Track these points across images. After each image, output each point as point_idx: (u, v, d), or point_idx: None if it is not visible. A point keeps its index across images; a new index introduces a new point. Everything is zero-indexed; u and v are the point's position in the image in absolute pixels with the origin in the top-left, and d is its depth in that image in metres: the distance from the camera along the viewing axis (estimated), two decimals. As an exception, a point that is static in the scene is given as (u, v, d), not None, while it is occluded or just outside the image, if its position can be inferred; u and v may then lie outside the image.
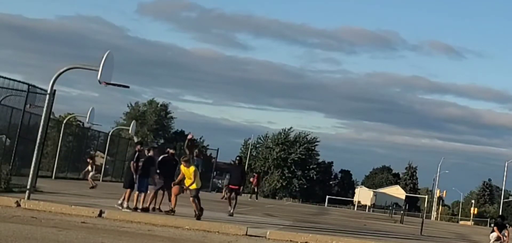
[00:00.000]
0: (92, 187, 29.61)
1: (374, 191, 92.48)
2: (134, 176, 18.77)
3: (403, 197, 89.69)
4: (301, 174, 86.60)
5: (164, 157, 19.97)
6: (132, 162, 19.01)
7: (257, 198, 44.08)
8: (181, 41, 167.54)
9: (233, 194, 21.66)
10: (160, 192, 19.40)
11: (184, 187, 18.73)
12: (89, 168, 30.82)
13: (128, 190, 18.90)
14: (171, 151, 20.65)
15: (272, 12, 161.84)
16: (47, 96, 18.74)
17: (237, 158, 23.82)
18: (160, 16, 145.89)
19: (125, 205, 18.44)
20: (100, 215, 16.47)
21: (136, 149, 19.62)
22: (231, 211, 21.17)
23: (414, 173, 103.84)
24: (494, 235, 22.42)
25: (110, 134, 47.88)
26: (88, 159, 33.97)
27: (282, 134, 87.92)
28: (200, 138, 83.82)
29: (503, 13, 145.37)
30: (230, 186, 22.31)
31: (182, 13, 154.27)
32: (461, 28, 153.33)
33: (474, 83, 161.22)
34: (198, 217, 17.84)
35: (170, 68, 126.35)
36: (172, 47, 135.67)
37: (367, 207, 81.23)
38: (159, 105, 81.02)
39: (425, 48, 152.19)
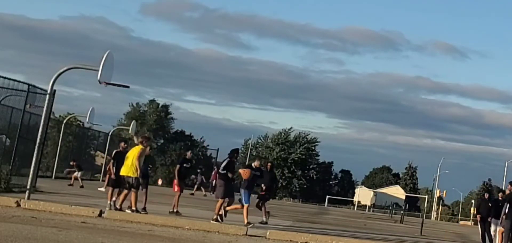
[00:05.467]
0: (71, 185, 30.34)
1: (374, 191, 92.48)
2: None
3: (403, 197, 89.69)
4: (301, 174, 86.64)
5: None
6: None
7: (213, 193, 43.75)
8: (184, 42, 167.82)
9: (261, 201, 21.06)
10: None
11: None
12: (75, 169, 32.09)
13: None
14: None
15: (276, 12, 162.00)
16: (47, 96, 18.73)
17: (269, 163, 23.47)
18: (163, 16, 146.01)
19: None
20: (100, 215, 16.45)
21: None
22: (264, 219, 20.71)
23: (414, 173, 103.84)
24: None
25: (110, 133, 47.88)
26: (72, 162, 34.62)
27: (282, 134, 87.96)
28: (201, 138, 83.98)
29: (507, 13, 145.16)
30: (261, 192, 21.86)
31: (185, 13, 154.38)
32: (465, 28, 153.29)
33: (478, 84, 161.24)
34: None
35: (173, 69, 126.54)
36: (175, 48, 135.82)
37: (367, 207, 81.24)
38: (159, 106, 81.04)
39: (429, 49, 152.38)
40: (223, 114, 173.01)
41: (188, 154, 21.77)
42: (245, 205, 18.82)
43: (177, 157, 78.02)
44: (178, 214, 19.21)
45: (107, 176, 30.70)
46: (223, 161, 19.07)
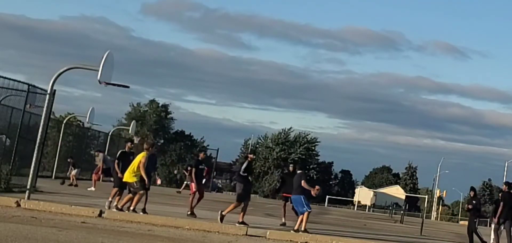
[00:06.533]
0: (71, 185, 30.34)
1: (374, 191, 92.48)
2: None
3: (403, 197, 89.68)
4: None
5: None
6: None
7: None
8: (185, 42, 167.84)
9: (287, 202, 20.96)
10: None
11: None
12: (72, 167, 32.12)
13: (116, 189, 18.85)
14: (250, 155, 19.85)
15: (276, 12, 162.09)
16: (47, 96, 18.73)
17: (291, 165, 22.97)
18: (164, 16, 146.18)
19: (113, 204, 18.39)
20: (100, 215, 16.46)
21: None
22: (283, 220, 20.77)
23: (414, 173, 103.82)
24: None
25: (110, 133, 47.86)
26: (69, 159, 34.58)
27: (282, 133, 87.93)
28: (201, 138, 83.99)
29: (507, 13, 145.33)
30: (284, 194, 21.56)
31: (186, 13, 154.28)
32: (465, 28, 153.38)
33: (478, 84, 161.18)
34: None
35: (173, 69, 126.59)
36: (175, 48, 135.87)
37: (367, 207, 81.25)
38: (159, 106, 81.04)
39: (430, 49, 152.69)
40: (223, 115, 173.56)
41: (201, 155, 21.58)
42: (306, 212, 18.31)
43: (177, 157, 78.08)
44: (193, 216, 19.12)
45: (94, 175, 30.73)
46: (243, 163, 19.06)
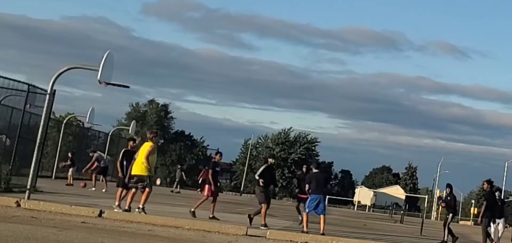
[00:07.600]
0: (69, 184, 30.27)
1: (374, 191, 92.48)
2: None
3: (403, 197, 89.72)
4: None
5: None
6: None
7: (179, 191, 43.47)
8: (185, 42, 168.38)
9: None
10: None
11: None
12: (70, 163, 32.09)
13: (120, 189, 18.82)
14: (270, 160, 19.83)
15: (277, 12, 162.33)
16: (47, 96, 18.72)
17: (305, 166, 22.79)
18: (165, 16, 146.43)
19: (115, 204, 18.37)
20: (100, 215, 16.45)
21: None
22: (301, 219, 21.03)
23: (414, 173, 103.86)
24: None
25: (110, 133, 47.88)
26: (70, 153, 34.56)
27: (282, 133, 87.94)
28: (201, 138, 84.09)
29: (508, 13, 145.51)
30: (300, 195, 21.65)
31: (187, 13, 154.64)
32: (466, 28, 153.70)
33: (479, 84, 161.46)
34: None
35: (174, 69, 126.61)
36: (176, 48, 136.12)
37: (367, 207, 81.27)
38: (159, 106, 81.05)
39: (431, 49, 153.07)
40: (223, 115, 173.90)
41: (217, 157, 21.44)
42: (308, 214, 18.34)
43: (177, 157, 78.07)
44: (194, 215, 19.01)
45: (92, 174, 30.68)
46: (260, 167, 19.13)
